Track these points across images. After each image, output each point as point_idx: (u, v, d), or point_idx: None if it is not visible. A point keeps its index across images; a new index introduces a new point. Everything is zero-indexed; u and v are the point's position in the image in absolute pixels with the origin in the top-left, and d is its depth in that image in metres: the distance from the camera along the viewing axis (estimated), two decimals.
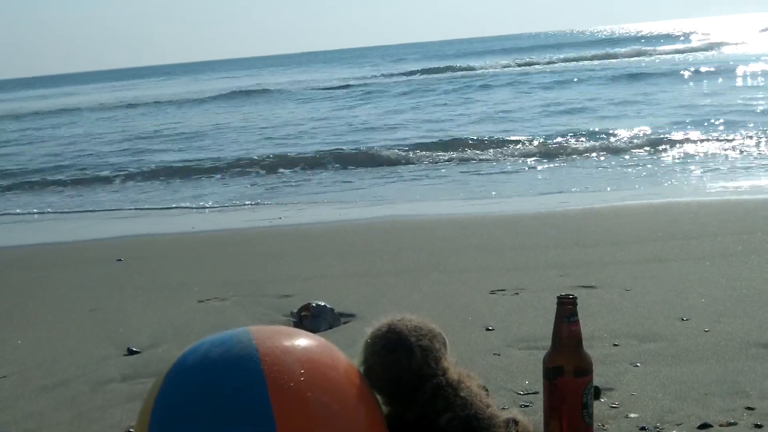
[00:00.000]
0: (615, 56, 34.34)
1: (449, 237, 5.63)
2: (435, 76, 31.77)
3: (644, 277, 4.01)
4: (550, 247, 4.95)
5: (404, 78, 32.57)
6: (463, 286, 4.14)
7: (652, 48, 38.11)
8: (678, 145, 10.60)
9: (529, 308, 3.65)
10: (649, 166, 9.29)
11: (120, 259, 5.66)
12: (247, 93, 30.40)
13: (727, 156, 9.53)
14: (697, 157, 9.61)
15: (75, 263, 5.69)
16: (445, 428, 1.76)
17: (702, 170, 8.66)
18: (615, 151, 10.56)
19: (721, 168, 8.72)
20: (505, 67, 33.96)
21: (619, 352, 2.91)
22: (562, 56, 37.24)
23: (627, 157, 10.11)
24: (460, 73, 31.81)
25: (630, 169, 9.15)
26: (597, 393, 2.49)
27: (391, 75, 35.27)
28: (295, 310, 3.66)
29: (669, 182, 8.10)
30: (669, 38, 51.99)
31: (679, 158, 9.69)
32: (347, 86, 30.19)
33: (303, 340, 1.79)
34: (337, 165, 11.39)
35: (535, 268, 4.40)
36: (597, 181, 8.54)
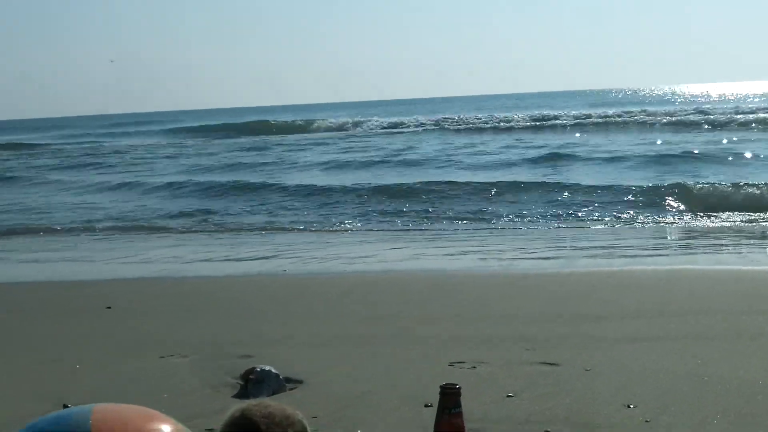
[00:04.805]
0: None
1: (429, 299, 5.57)
2: None
3: (609, 357, 3.90)
4: (523, 318, 4.84)
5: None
6: (423, 356, 4.06)
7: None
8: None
9: (482, 383, 3.57)
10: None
11: (109, 307, 5.66)
12: None
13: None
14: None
15: (62, 308, 5.72)
16: None
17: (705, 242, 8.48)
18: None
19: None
20: None
21: None
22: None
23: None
24: None
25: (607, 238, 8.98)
26: None
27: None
28: (242, 374, 3.62)
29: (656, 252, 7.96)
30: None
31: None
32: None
33: (149, 425, 1.75)
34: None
35: (503, 340, 4.30)
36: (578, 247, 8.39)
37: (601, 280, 6.14)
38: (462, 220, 10.79)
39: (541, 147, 20.73)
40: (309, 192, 13.96)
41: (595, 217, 10.57)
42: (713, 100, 48.77)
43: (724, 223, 9.63)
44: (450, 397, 2.03)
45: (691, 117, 28.92)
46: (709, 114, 29.96)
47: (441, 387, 2.05)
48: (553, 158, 17.53)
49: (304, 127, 37.50)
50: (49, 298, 6.21)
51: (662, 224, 9.91)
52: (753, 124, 24.35)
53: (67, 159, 26.02)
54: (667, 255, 7.77)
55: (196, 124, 46.31)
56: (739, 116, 27.32)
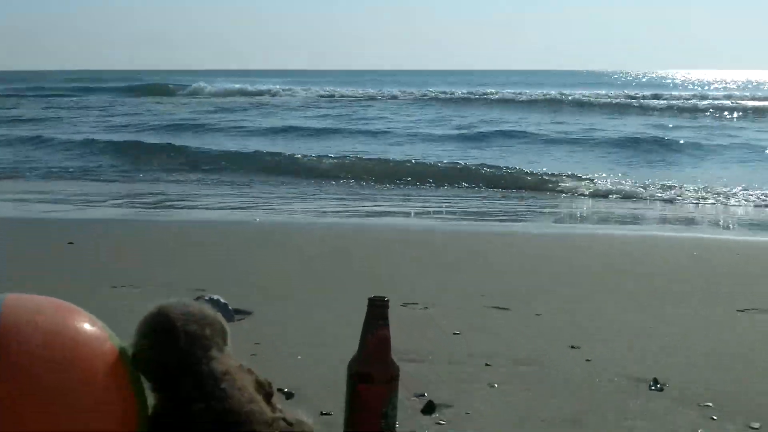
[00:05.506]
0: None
1: (391, 247, 5.62)
2: None
3: (563, 306, 3.91)
4: (484, 269, 4.89)
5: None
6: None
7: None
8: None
9: (431, 322, 3.58)
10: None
11: (72, 242, 5.62)
12: None
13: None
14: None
15: (26, 241, 5.69)
16: (197, 419, 1.68)
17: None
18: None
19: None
20: None
21: (486, 371, 2.81)
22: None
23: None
24: None
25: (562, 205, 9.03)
26: (430, 408, 2.40)
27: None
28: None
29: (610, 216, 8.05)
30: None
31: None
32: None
33: (65, 319, 1.73)
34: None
35: (459, 288, 4.32)
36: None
37: (573, 242, 6.19)
38: (439, 185, 10.79)
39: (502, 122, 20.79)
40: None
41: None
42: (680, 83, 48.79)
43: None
44: (377, 309, 2.03)
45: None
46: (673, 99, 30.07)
47: (369, 299, 2.05)
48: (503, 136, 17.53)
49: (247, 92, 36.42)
50: (13, 233, 6.18)
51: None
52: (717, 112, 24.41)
53: None
54: (641, 223, 7.84)
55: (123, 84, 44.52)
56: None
